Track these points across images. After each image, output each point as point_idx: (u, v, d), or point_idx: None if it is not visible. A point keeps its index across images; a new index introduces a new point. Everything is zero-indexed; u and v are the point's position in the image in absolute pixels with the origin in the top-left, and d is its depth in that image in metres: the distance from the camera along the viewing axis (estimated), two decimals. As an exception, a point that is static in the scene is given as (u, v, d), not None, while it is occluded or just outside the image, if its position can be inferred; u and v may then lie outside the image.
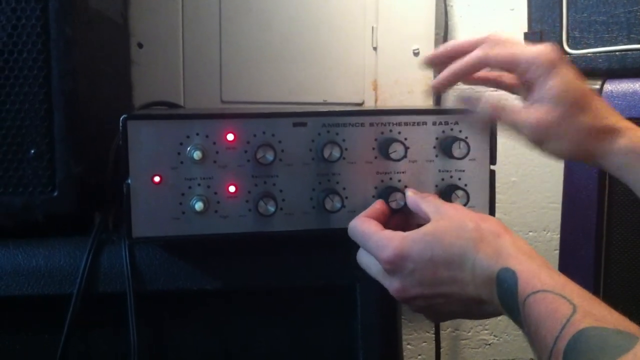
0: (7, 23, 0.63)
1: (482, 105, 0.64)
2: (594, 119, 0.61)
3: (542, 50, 0.61)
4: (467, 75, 0.65)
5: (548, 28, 0.85)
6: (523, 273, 0.51)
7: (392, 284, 0.58)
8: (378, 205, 0.63)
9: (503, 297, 0.52)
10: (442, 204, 0.61)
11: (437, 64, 0.68)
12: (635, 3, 0.81)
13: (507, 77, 0.69)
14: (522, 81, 0.63)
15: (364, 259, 0.61)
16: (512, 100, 0.64)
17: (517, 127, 0.62)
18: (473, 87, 0.72)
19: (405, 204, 0.64)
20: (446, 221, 0.57)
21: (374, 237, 0.58)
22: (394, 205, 0.64)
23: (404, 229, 0.58)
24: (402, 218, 0.65)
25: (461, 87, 0.68)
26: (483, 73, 0.70)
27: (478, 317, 0.59)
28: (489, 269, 0.53)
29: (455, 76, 0.64)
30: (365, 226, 0.60)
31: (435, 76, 0.68)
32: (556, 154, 0.63)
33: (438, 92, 0.66)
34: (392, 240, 0.57)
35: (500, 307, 0.53)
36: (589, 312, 0.46)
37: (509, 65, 0.62)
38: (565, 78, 0.60)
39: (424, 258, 0.55)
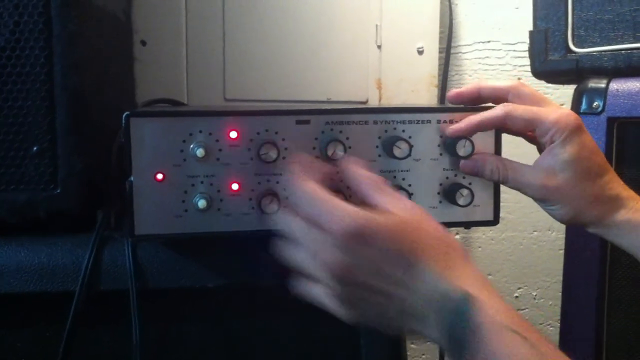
0: (10, 19, 0.63)
1: (488, 170, 0.65)
2: (601, 190, 0.62)
3: (563, 115, 0.61)
4: (484, 130, 0.65)
5: (553, 26, 0.85)
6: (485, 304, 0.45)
7: (337, 258, 0.48)
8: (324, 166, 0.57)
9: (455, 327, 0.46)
10: (402, 198, 0.53)
11: (461, 102, 0.68)
12: (642, 1, 0.81)
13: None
14: (539, 140, 0.64)
15: (296, 224, 0.50)
16: (516, 160, 0.66)
17: (522, 188, 0.64)
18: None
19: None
20: (418, 216, 0.51)
21: (330, 202, 0.49)
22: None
23: None
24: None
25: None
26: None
27: (406, 331, 0.51)
28: (447, 295, 0.47)
29: (474, 128, 0.64)
30: (319, 191, 0.50)
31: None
32: (557, 217, 0.64)
33: (452, 138, 0.65)
34: (358, 214, 0.48)
35: (442, 338, 0.47)
36: None
37: (529, 127, 0.63)
38: (581, 146, 0.61)
39: (387, 247, 0.48)
